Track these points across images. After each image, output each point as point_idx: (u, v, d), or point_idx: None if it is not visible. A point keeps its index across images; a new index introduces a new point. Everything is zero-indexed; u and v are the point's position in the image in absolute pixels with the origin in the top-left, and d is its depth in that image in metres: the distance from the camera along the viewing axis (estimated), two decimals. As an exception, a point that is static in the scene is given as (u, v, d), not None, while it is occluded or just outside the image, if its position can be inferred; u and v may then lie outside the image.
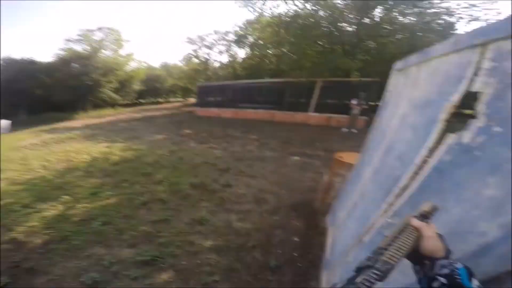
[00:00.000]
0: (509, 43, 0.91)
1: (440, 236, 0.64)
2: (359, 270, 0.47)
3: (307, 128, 10.61)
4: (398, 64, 2.40)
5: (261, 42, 16.26)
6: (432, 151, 1.25)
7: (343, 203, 2.81)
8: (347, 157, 3.30)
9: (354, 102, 9.50)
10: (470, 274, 0.56)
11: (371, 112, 11.44)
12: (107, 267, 2.48)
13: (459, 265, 0.57)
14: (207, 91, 16.19)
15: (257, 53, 16.83)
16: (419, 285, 0.62)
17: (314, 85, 11.47)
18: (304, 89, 11.94)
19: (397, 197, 1.41)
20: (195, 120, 12.63)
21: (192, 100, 25.22)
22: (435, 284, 0.56)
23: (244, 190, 4.33)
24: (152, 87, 29.46)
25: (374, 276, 0.41)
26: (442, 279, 0.56)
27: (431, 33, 9.24)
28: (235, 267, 2.52)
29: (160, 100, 31.82)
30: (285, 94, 12.56)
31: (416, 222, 0.63)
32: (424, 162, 1.27)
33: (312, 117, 11.62)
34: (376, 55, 10.52)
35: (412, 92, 1.85)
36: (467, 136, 1.02)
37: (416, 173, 1.32)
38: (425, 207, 0.77)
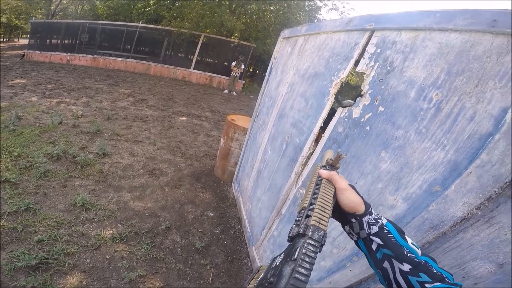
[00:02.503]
0: (394, 34, 1.11)
1: (353, 187, 0.62)
2: (292, 239, 0.45)
3: (188, 86, 10.07)
4: (285, 32, 2.52)
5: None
6: (326, 122, 1.46)
7: (245, 171, 2.95)
8: (239, 120, 3.39)
9: (233, 64, 9.90)
10: (399, 230, 0.57)
11: (248, 76, 12.16)
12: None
13: (384, 220, 0.57)
14: (50, 30, 11.57)
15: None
16: (360, 249, 0.61)
17: (196, 39, 10.81)
18: (185, 42, 11.10)
19: (303, 166, 1.60)
20: (32, 67, 8.95)
21: (25, 42, 17.86)
22: (373, 246, 0.56)
23: (129, 159, 3.68)
24: None
25: (311, 248, 0.39)
26: (377, 240, 0.55)
27: (302, 11, 10.83)
28: (157, 256, 2.21)
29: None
30: (163, 45, 11.13)
31: (326, 173, 0.61)
32: (321, 132, 1.48)
33: (194, 74, 11.10)
34: (256, 20, 10.89)
35: (299, 62, 2.02)
36: (356, 111, 1.24)
37: (316, 142, 1.52)
38: (329, 154, 0.77)
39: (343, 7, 13.71)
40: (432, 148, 0.88)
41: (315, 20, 12.06)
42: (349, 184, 0.62)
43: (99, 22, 11.12)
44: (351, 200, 0.58)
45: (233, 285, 2.13)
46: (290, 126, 1.91)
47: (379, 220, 0.57)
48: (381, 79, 1.12)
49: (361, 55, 1.30)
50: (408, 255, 0.53)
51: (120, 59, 10.68)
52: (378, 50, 1.18)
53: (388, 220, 0.58)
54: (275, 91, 2.41)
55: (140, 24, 10.88)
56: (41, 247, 2.05)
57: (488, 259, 0.71)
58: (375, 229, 0.56)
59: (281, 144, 2.01)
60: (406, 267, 0.53)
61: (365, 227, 0.56)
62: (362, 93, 1.22)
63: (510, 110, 0.70)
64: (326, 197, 0.53)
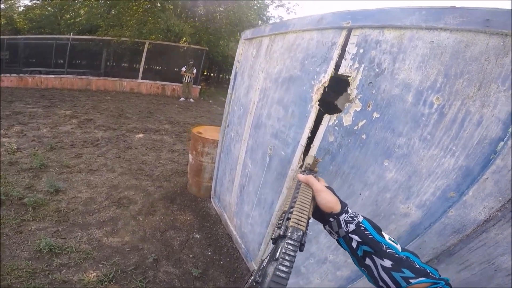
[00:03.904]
0: (376, 32, 1.06)
1: (330, 188, 0.66)
2: (275, 241, 0.47)
3: (139, 98, 9.30)
4: (247, 33, 2.37)
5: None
6: (314, 132, 1.38)
7: (224, 185, 2.78)
8: (206, 132, 3.18)
9: (183, 69, 9.42)
10: (375, 227, 0.59)
11: (203, 80, 11.73)
12: None
13: (360, 218, 0.59)
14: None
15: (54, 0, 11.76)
16: (342, 247, 0.62)
17: (140, 47, 10.03)
18: (128, 51, 10.28)
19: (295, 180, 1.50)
20: None
21: None
22: (354, 244, 0.58)
23: (88, 192, 3.23)
24: None
25: (291, 248, 0.42)
26: (356, 237, 0.57)
27: (252, 10, 10.74)
28: None
29: None
30: (103, 56, 10.09)
31: (303, 177, 0.65)
32: (310, 143, 1.40)
33: (143, 84, 10.32)
34: (206, 22, 10.48)
35: (269, 65, 1.89)
36: (346, 119, 1.18)
37: (305, 154, 1.43)
38: (309, 160, 0.87)
39: (289, 3, 15.97)
40: (441, 155, 0.85)
41: (265, 18, 12.17)
42: (326, 186, 0.66)
43: (20, 36, 9.61)
44: (328, 200, 0.60)
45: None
46: (271, 137, 1.80)
47: (355, 218, 0.59)
48: (370, 83, 1.08)
49: (341, 56, 1.24)
50: (388, 251, 0.55)
51: (53, 75, 9.36)
52: (361, 51, 1.12)
53: (365, 218, 0.60)
54: (246, 98, 2.27)
55: (72, 36, 9.70)
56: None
57: (516, 253, 0.72)
58: (352, 226, 0.58)
59: (263, 157, 1.90)
60: (387, 263, 0.54)
61: (342, 225, 0.58)
62: (350, 98, 1.16)
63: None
64: (304, 199, 0.57)
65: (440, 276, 0.54)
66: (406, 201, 0.96)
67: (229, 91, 2.66)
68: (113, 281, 2.06)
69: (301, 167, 1.47)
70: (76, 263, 2.18)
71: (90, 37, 9.92)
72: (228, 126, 2.67)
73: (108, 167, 3.93)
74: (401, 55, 0.97)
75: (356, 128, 1.13)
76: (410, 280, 0.51)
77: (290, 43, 1.64)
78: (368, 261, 0.57)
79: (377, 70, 1.05)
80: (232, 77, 2.62)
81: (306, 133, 1.42)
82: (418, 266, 0.54)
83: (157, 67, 11.32)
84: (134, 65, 10.69)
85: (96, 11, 10.54)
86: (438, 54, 0.86)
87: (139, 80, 10.24)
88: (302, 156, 1.46)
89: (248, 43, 2.35)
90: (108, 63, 10.47)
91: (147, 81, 10.34)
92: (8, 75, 9.04)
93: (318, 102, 1.37)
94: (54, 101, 7.39)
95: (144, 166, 4.12)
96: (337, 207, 0.60)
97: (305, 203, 0.55)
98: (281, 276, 0.36)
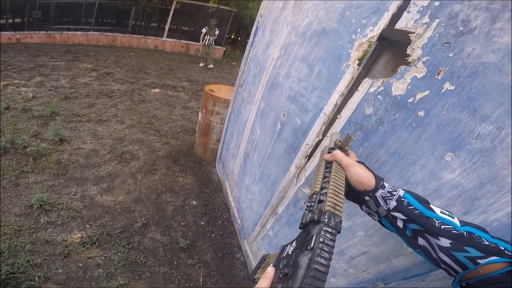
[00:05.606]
0: None
1: (362, 163, 0.57)
2: (305, 226, 0.40)
3: (162, 55, 9.08)
4: None
5: None
6: (346, 98, 1.04)
7: (230, 150, 2.55)
8: (220, 91, 2.89)
9: (203, 30, 8.12)
10: (421, 200, 0.48)
11: (229, 43, 11.09)
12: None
13: (401, 192, 0.50)
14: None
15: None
16: (388, 229, 0.53)
17: (168, 7, 9.68)
18: (156, 10, 9.99)
19: (307, 158, 1.19)
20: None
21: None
22: (399, 223, 0.49)
23: (93, 143, 3.12)
24: None
25: (329, 236, 0.34)
26: (400, 215, 0.48)
27: None
28: (137, 260, 1.91)
29: None
30: (131, 14, 9.85)
31: (329, 155, 0.58)
32: (337, 112, 1.07)
33: (167, 42, 10.06)
34: None
35: (296, 18, 1.54)
36: (398, 86, 0.83)
37: (328, 126, 1.11)
38: (336, 137, 0.72)
39: None
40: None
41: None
42: (357, 161, 0.58)
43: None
44: (359, 175, 0.53)
45: (226, 284, 1.91)
46: (287, 100, 1.47)
47: (394, 193, 0.50)
48: (446, 43, 0.70)
49: (402, 8, 0.86)
50: (442, 227, 0.45)
51: (80, 32, 9.31)
52: (436, 3, 0.74)
53: (406, 191, 0.51)
54: (264, 55, 1.93)
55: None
56: (3, 260, 1.76)
57: None
58: (392, 203, 0.49)
59: (274, 123, 1.60)
60: (445, 242, 0.44)
61: (381, 203, 0.50)
62: (409, 60, 0.80)
63: None
64: (338, 180, 0.50)
65: None
66: (461, 216, 0.65)
67: (247, 48, 2.32)
68: (96, 244, 1.97)
69: (317, 144, 1.16)
70: (63, 221, 2.10)
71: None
72: (241, 85, 2.37)
73: (118, 118, 3.84)
74: (506, 14, 0.59)
75: (411, 100, 0.78)
76: (478, 261, 0.41)
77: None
78: (421, 241, 0.47)
79: (461, 28, 0.67)
80: (252, 34, 2.27)
81: (335, 98, 1.08)
82: (486, 243, 0.42)
83: (184, 27, 10.88)
84: (161, 25, 10.38)
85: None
86: None
87: (164, 38, 9.97)
88: (324, 128, 1.14)
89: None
90: (136, 22, 10.20)
91: (172, 39, 10.04)
92: (37, 32, 9.14)
93: (357, 61, 1.01)
94: (78, 55, 7.36)
95: (154, 120, 4.00)
96: (371, 183, 0.52)
97: (340, 185, 0.48)
98: (320, 270, 0.30)
